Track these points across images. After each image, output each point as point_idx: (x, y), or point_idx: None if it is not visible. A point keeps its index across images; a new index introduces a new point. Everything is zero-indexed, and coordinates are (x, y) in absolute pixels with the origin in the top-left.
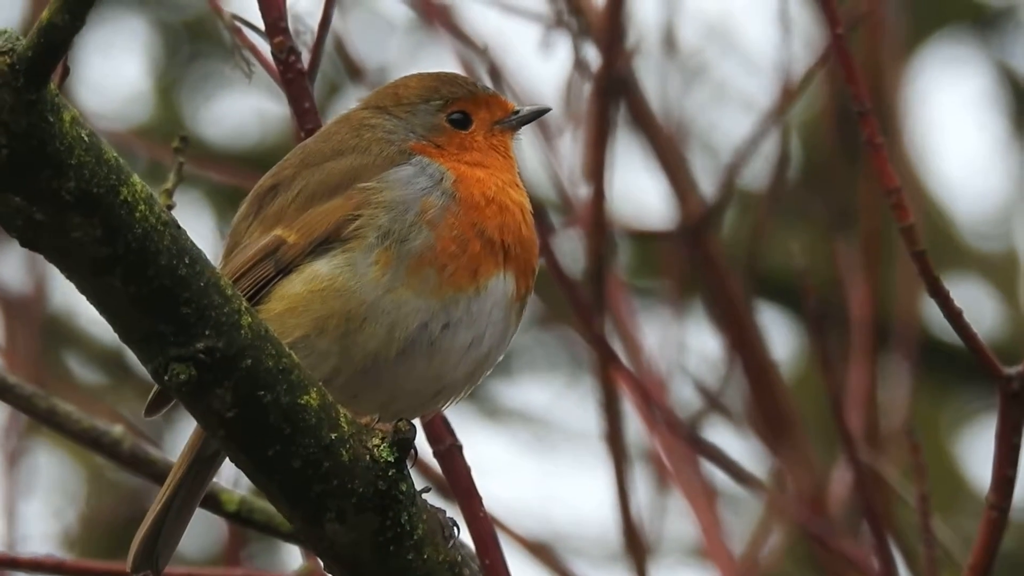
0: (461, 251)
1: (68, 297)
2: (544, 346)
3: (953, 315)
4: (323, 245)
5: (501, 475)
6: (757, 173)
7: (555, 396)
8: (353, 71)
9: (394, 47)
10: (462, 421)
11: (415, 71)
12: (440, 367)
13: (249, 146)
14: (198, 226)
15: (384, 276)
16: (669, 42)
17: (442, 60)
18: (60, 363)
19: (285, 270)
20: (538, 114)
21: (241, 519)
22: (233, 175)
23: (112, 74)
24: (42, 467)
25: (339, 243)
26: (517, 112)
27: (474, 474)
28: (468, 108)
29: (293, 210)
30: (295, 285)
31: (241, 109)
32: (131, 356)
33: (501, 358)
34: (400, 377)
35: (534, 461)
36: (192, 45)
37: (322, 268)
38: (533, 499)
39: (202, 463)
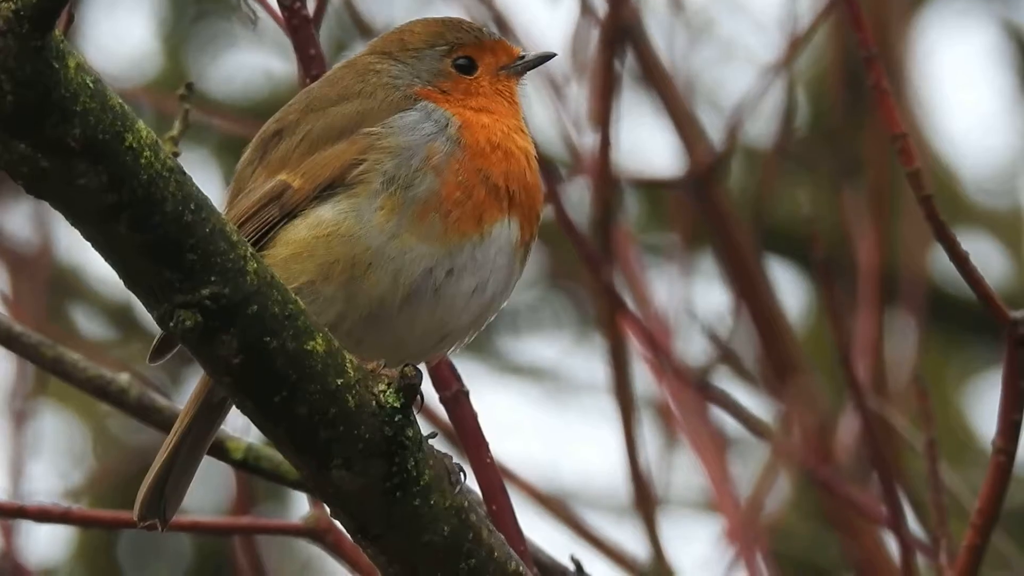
0: (466, 197)
1: (75, 251)
2: (552, 303)
3: (959, 259)
4: (328, 190)
5: (511, 430)
6: (764, 126)
7: (564, 352)
8: (361, 27)
9: (401, 2)
10: (472, 376)
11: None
12: (445, 313)
13: (258, 102)
14: (207, 182)
15: (389, 222)
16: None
17: (449, 10)
18: (67, 317)
19: (290, 215)
20: (543, 59)
21: (248, 467)
22: (242, 126)
23: (119, 34)
24: (48, 427)
25: (344, 188)
26: (522, 57)
27: (481, 420)
28: (473, 53)
29: (298, 155)
30: (300, 230)
31: (249, 66)
32: (139, 310)
33: (505, 303)
34: (405, 323)
35: (544, 416)
36: (199, 4)
37: (327, 213)
38: (543, 453)
39: (208, 411)
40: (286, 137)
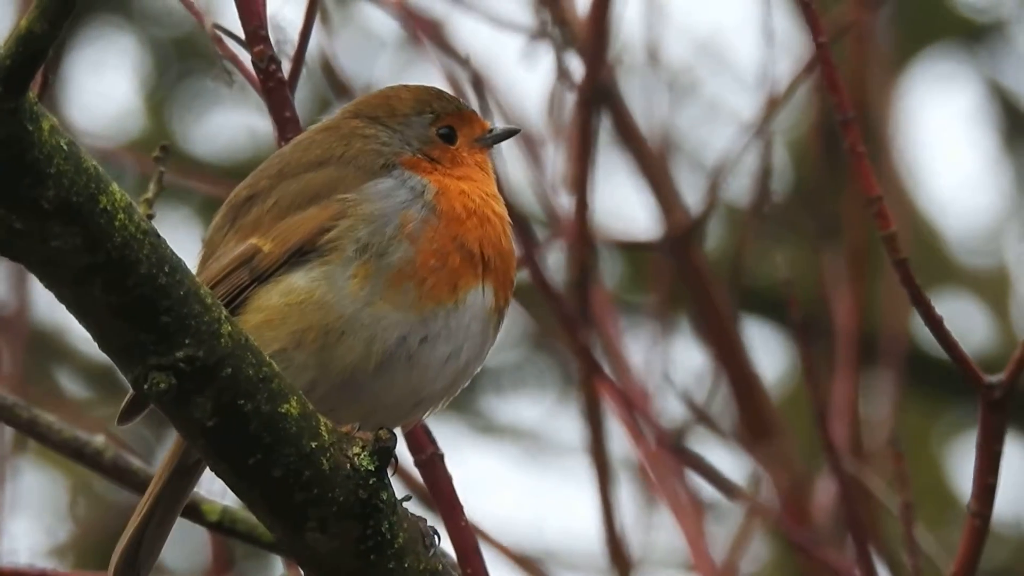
0: (441, 264)
1: (58, 311)
2: (536, 363)
3: (934, 323)
4: (299, 255)
5: (491, 490)
6: (743, 187)
7: (545, 413)
8: (339, 88)
9: (381, 64)
10: (451, 435)
11: (398, 83)
12: (418, 380)
13: (241, 162)
14: (189, 242)
15: (362, 290)
16: (653, 56)
17: (428, 75)
18: (50, 378)
19: (260, 279)
20: (510, 134)
21: (223, 529)
22: (224, 186)
23: (102, 92)
24: (31, 484)
25: (316, 255)
26: (491, 131)
27: (456, 483)
28: (455, 123)
29: (269, 219)
30: (272, 297)
31: (232, 126)
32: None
33: (479, 369)
34: (378, 390)
35: (524, 476)
36: (182, 63)
37: (300, 280)
38: (523, 515)
39: (183, 473)
40: (258, 202)
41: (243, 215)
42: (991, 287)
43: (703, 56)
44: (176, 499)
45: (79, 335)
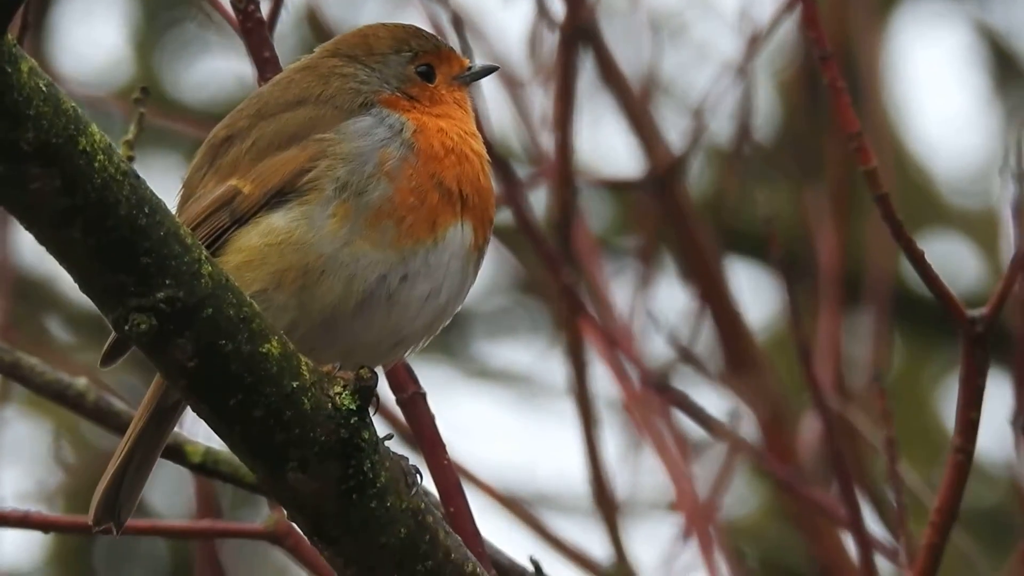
0: (419, 202)
1: (45, 260)
2: (527, 307)
3: (916, 257)
4: (279, 196)
5: (482, 434)
6: (726, 127)
7: (536, 356)
8: (322, 32)
9: (364, 6)
10: (442, 379)
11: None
12: (398, 319)
13: (229, 108)
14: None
15: (342, 229)
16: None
17: (409, 15)
18: (39, 326)
19: (240, 220)
20: (488, 71)
21: (206, 470)
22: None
23: (91, 41)
24: (16, 432)
25: (295, 195)
26: (470, 68)
27: (438, 422)
28: (433, 61)
29: (248, 160)
30: (252, 238)
31: (220, 72)
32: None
33: (459, 308)
34: (358, 330)
35: (516, 420)
36: (169, 10)
37: (279, 221)
38: (515, 458)
39: (162, 414)
40: (236, 142)
41: (222, 155)
42: (981, 228)
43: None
44: (156, 441)
45: (67, 282)
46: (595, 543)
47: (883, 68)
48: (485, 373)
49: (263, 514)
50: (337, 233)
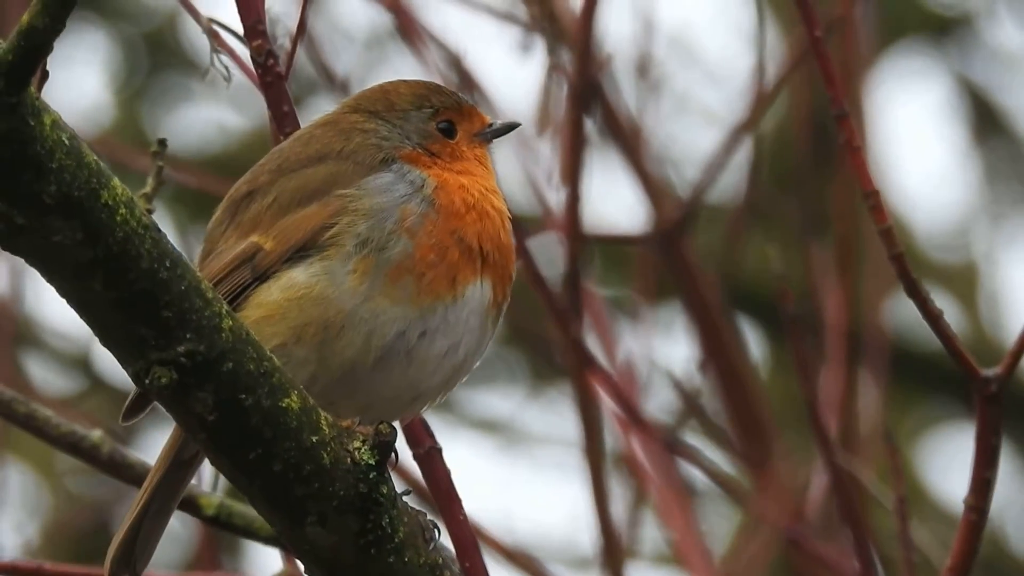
0: (440, 259)
1: (33, 303)
2: (506, 357)
3: (932, 316)
4: (300, 252)
5: (474, 482)
6: (730, 182)
7: (518, 406)
8: (328, 78)
9: (367, 56)
10: (439, 428)
11: (391, 78)
12: (417, 375)
13: (212, 155)
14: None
15: (362, 284)
16: (643, 58)
17: (415, 68)
18: (22, 369)
19: (262, 277)
20: (510, 128)
21: (220, 523)
22: (195, 178)
23: (73, 87)
24: (6, 481)
25: (316, 250)
26: (491, 125)
27: (454, 477)
28: (454, 118)
29: (269, 216)
30: (272, 292)
31: (203, 119)
32: (99, 363)
33: (477, 364)
34: (377, 385)
35: (499, 470)
36: (153, 57)
37: (299, 276)
38: (500, 507)
39: (179, 466)
40: (257, 198)
41: (243, 211)
42: (960, 282)
43: (679, 52)
44: (172, 492)
45: (53, 329)
46: None
47: (870, 123)
48: (466, 421)
49: (266, 564)
50: (357, 289)
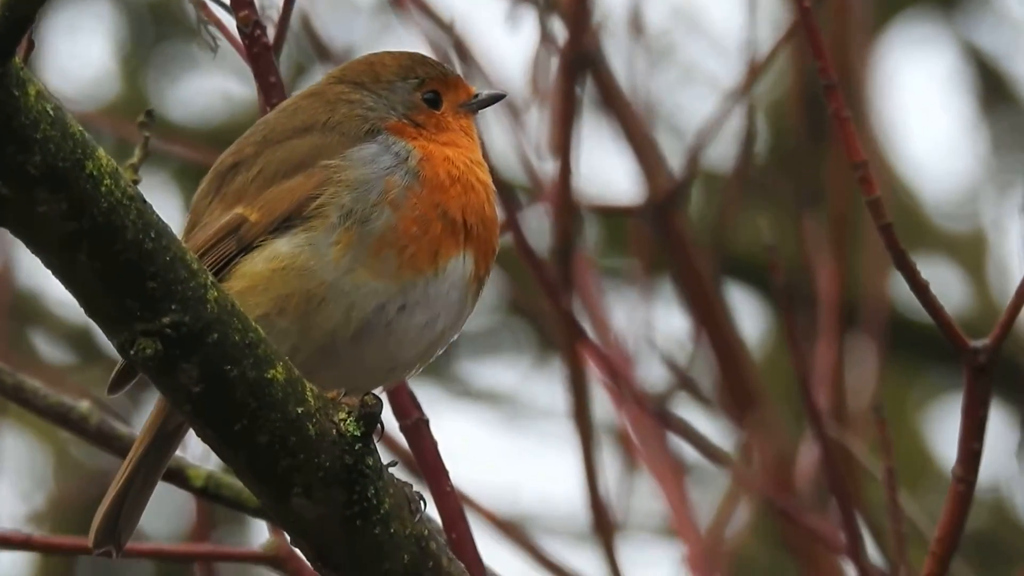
0: (422, 232)
1: (34, 275)
2: (512, 328)
3: (919, 288)
4: (286, 223)
5: (470, 455)
6: (724, 153)
7: (522, 377)
8: (320, 51)
9: (360, 27)
10: (430, 401)
11: (382, 49)
12: (394, 347)
13: (216, 126)
14: (166, 207)
15: (344, 257)
16: (636, 23)
17: (408, 39)
18: (26, 342)
19: (247, 248)
20: (495, 99)
21: (209, 495)
22: (201, 152)
23: (78, 57)
24: (8, 450)
25: (301, 222)
26: (477, 96)
27: (441, 449)
28: (440, 88)
29: (255, 188)
30: (256, 263)
31: (208, 90)
32: (99, 336)
33: (456, 337)
34: (355, 357)
35: (502, 441)
36: (157, 27)
37: (283, 247)
38: (501, 479)
39: (164, 438)
40: (243, 170)
41: (228, 183)
42: (968, 251)
43: (679, 20)
44: (157, 464)
45: (56, 299)
46: (588, 565)
47: (874, 93)
48: (469, 393)
49: (254, 536)
50: (340, 261)
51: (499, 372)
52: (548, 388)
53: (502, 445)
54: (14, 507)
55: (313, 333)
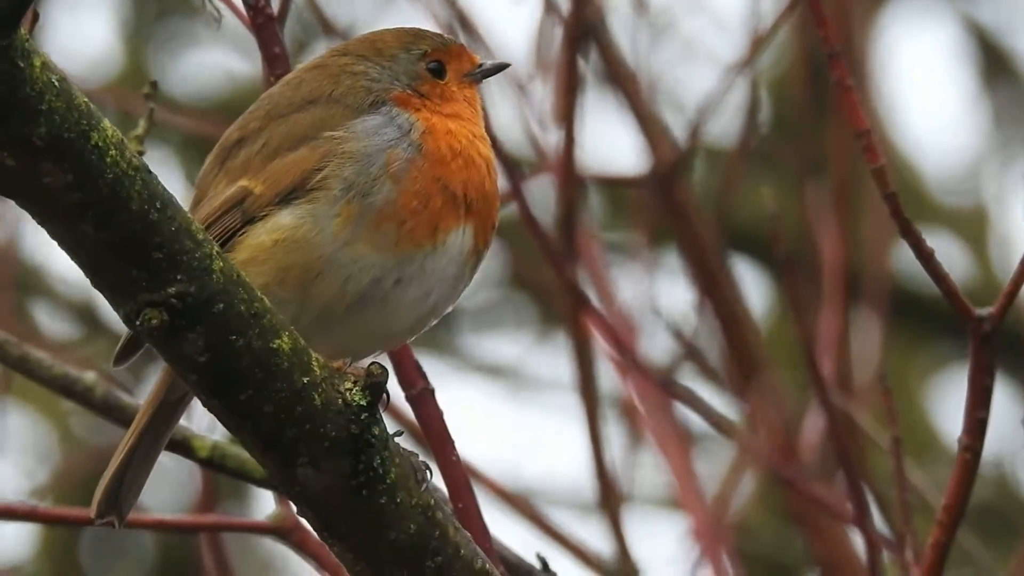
0: (422, 206)
1: (37, 249)
2: (515, 301)
3: (924, 256)
4: (290, 196)
5: (474, 427)
6: (727, 124)
7: (526, 350)
8: (325, 25)
9: (364, 3)
10: (434, 373)
11: (384, 27)
12: (388, 320)
13: (219, 101)
14: (169, 179)
15: (344, 230)
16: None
17: (412, 15)
18: (27, 316)
19: (251, 220)
20: (499, 68)
21: (213, 465)
22: (203, 125)
23: (81, 34)
24: (12, 425)
25: (305, 194)
26: (481, 65)
27: (446, 418)
28: (443, 58)
29: (259, 161)
30: (260, 235)
31: (210, 65)
32: (102, 309)
33: (450, 309)
34: (349, 328)
35: (506, 413)
36: (160, 3)
37: (286, 219)
38: (506, 451)
39: (167, 408)
40: (247, 144)
41: (233, 157)
42: (969, 225)
43: None
44: (159, 434)
45: (59, 273)
46: (593, 537)
47: (876, 65)
48: (472, 366)
49: (257, 507)
50: (339, 234)
51: (502, 345)
52: (550, 361)
53: (505, 417)
54: (17, 482)
55: (310, 304)
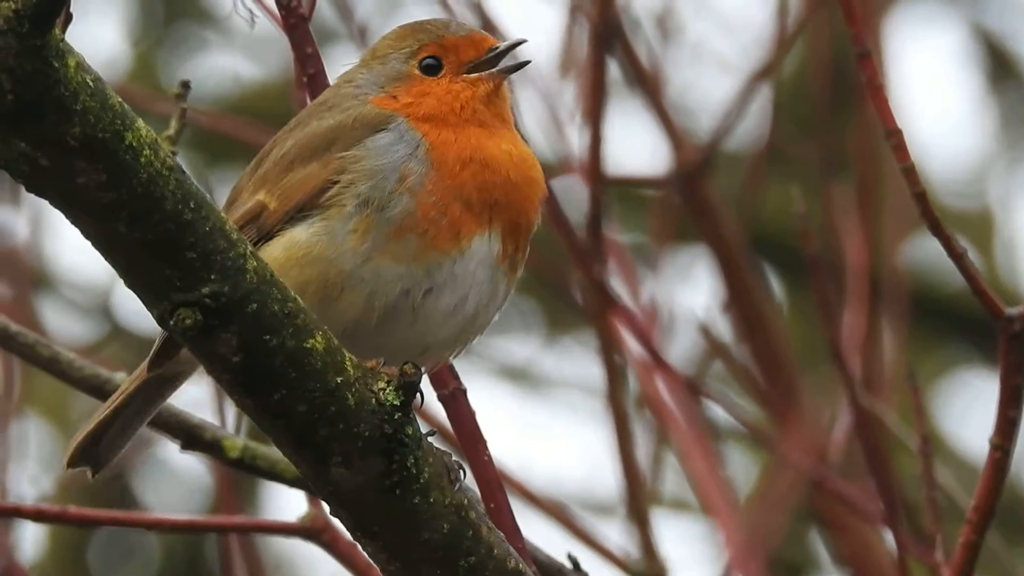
0: (441, 216)
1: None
2: (519, 304)
3: (956, 255)
4: (303, 212)
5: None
6: (750, 126)
7: (534, 352)
8: (348, 24)
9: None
10: (464, 374)
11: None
12: (423, 329)
13: (227, 106)
14: None
15: (363, 244)
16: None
17: (435, 12)
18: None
19: (266, 236)
20: (513, 46)
21: (244, 466)
22: (210, 126)
23: (89, 38)
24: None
25: (318, 210)
26: (494, 49)
27: (478, 418)
28: (437, 52)
29: (275, 173)
30: (275, 249)
31: (219, 69)
32: (117, 310)
33: (496, 317)
34: (383, 341)
35: (519, 414)
36: (169, 7)
37: (301, 235)
38: (520, 452)
39: (162, 381)
40: (273, 153)
41: (261, 165)
42: (975, 229)
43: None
44: (148, 403)
45: (69, 272)
46: (618, 538)
47: (886, 68)
48: (485, 368)
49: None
50: (358, 249)
51: (508, 347)
52: (559, 364)
53: (519, 419)
54: (24, 490)
55: (334, 320)
